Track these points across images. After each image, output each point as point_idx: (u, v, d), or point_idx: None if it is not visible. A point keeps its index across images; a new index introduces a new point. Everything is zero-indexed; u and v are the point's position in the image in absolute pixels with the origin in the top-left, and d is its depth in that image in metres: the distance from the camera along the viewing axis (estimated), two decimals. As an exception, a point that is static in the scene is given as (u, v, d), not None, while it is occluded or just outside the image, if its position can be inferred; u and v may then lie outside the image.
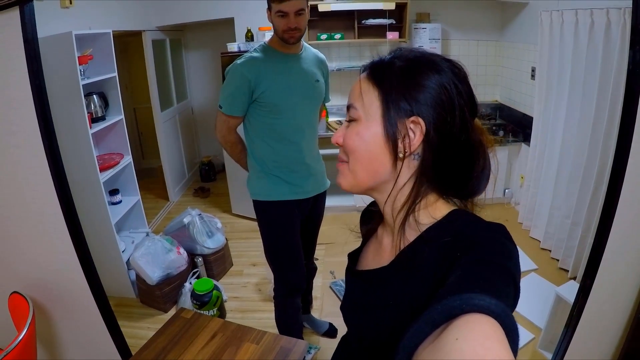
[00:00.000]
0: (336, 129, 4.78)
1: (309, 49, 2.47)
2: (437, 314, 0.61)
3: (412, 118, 0.85)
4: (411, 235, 0.92)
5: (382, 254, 1.04)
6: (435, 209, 0.92)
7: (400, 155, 0.88)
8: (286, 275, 2.60)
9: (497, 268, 0.72)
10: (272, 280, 2.71)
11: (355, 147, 0.91)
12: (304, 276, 2.67)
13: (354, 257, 1.17)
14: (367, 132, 0.89)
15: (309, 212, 2.63)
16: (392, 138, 0.87)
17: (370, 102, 0.89)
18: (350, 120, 0.93)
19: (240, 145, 2.53)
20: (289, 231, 2.52)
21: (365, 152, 0.90)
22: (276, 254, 2.58)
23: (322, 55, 2.54)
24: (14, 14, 1.64)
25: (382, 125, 0.88)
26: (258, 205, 2.51)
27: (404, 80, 0.87)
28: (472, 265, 0.73)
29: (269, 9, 2.23)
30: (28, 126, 1.79)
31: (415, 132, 0.86)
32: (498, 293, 0.64)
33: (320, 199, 2.68)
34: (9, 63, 1.74)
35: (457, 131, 0.87)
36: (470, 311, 0.58)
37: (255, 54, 2.31)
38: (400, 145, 0.87)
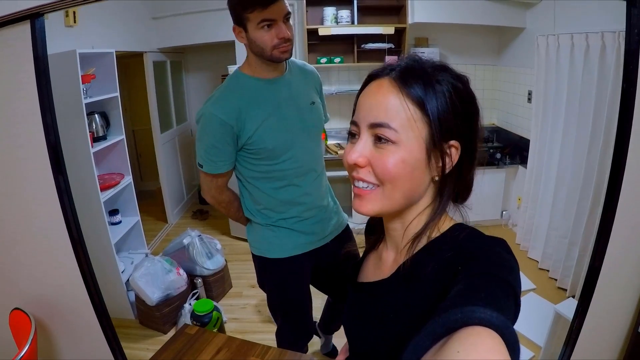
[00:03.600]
0: (337, 152, 4.82)
1: (294, 63, 2.03)
2: (439, 327, 0.60)
3: (453, 142, 0.86)
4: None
5: (382, 267, 1.03)
6: (441, 223, 0.93)
7: (437, 178, 0.89)
8: (293, 328, 2.31)
9: (498, 281, 0.72)
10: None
11: (400, 175, 0.84)
12: (313, 326, 2.40)
13: (355, 269, 1.16)
14: (412, 157, 0.84)
15: (333, 256, 2.14)
16: (436, 162, 0.86)
17: (413, 125, 0.84)
18: (382, 141, 0.84)
19: (237, 202, 2.14)
20: (301, 287, 2.20)
21: (409, 179, 0.86)
22: (284, 311, 2.27)
23: (309, 66, 2.12)
24: (25, 28, 1.66)
25: (426, 150, 0.85)
26: (261, 262, 2.13)
27: (456, 104, 0.85)
28: (473, 278, 0.73)
29: (243, 23, 1.75)
30: (35, 140, 1.80)
31: (452, 154, 0.87)
32: (499, 306, 0.64)
33: (344, 238, 2.23)
34: (19, 77, 1.75)
35: (477, 143, 0.91)
36: (471, 324, 0.58)
37: (228, 91, 1.86)
38: (438, 168, 0.87)
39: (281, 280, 2.15)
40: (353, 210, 0.93)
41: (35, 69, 1.70)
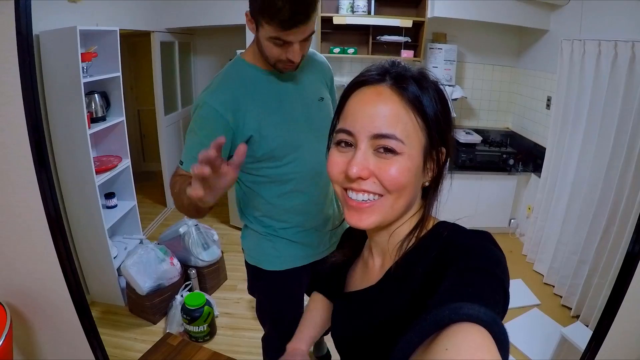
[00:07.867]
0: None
1: None
2: (427, 324, 0.60)
3: (441, 148, 0.88)
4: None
5: (369, 274, 1.03)
6: (427, 223, 0.93)
7: (427, 184, 0.91)
8: (281, 337, 1.95)
9: (485, 275, 0.72)
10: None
11: (408, 184, 0.84)
12: None
13: (341, 281, 1.15)
14: (414, 165, 0.84)
15: None
16: (430, 168, 0.88)
17: (414, 134, 0.83)
18: (386, 151, 0.82)
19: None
20: (294, 299, 2.03)
21: (413, 187, 0.86)
22: (274, 321, 2.09)
23: (320, 56, 1.85)
24: (9, 3, 1.53)
25: (423, 156, 0.85)
26: (255, 271, 1.94)
27: (443, 111, 0.86)
28: (460, 274, 0.73)
29: (255, 19, 1.46)
30: (16, 124, 1.68)
31: (441, 159, 0.89)
32: (487, 301, 0.65)
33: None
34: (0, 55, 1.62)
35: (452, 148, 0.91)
36: (459, 320, 0.57)
37: (229, 80, 1.60)
38: (429, 174, 0.89)
39: (274, 292, 1.98)
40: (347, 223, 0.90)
41: (17, 46, 1.57)
